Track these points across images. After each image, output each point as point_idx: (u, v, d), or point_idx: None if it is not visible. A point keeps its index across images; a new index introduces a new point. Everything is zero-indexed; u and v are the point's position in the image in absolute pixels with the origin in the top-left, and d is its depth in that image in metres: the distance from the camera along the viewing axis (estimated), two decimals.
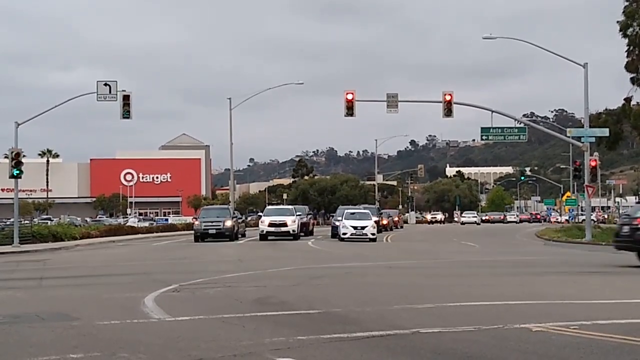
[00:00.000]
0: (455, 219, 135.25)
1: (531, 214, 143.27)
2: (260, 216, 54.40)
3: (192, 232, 52.49)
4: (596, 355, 9.44)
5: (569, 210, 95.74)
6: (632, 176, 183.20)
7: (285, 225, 49.61)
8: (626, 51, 54.44)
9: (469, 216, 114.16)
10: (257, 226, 56.19)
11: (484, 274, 22.22)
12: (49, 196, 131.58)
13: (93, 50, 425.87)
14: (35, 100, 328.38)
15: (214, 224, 49.89)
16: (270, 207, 64.00)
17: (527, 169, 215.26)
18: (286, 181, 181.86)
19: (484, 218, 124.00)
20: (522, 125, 52.85)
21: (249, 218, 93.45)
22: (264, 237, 49.38)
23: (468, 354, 9.52)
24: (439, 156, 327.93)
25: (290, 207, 59.53)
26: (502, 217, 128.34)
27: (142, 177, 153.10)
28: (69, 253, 39.22)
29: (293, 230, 49.79)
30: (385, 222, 68.14)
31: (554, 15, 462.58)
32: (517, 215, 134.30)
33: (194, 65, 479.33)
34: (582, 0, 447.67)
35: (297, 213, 53.79)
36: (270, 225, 49.72)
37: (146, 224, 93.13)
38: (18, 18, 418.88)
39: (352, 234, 47.66)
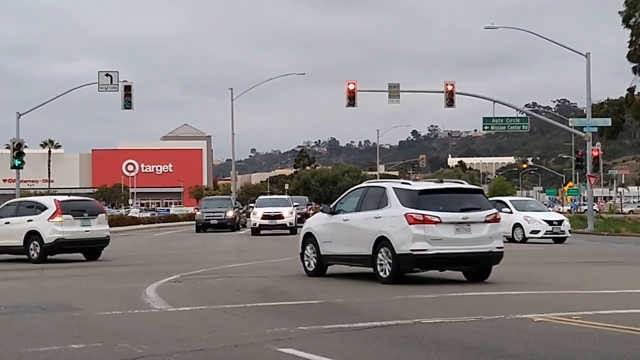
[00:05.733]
0: None
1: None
2: (252, 207, 47.98)
3: (194, 222, 52.48)
4: (598, 345, 9.42)
5: (571, 200, 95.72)
6: (635, 166, 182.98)
7: (280, 217, 44.12)
8: (628, 41, 54.40)
9: None
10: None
11: None
12: (50, 187, 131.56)
13: (95, 41, 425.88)
14: (36, 91, 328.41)
15: (215, 214, 49.85)
16: (263, 197, 58.68)
17: (529, 159, 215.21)
18: (288, 171, 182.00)
19: None
20: (524, 115, 52.72)
21: (250, 209, 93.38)
22: (256, 231, 43.90)
23: (469, 344, 9.50)
24: (441, 146, 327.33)
25: (286, 196, 56.56)
26: None
27: (144, 168, 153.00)
28: None
29: (290, 223, 44.02)
30: None
31: (556, 5, 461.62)
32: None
33: (196, 56, 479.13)
34: None
35: (295, 203, 49.08)
36: (265, 217, 44.11)
37: (148, 214, 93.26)
38: (20, 9, 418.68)
39: None
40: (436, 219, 15.85)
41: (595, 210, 59.35)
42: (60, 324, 11.51)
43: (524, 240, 33.85)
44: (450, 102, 47.35)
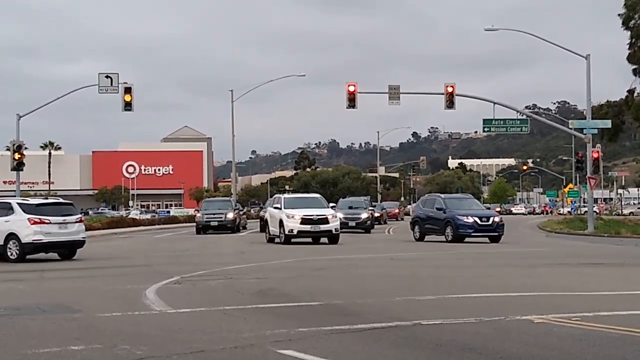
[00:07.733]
0: None
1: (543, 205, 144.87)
2: (278, 208, 36.26)
3: (194, 224, 52.50)
4: (598, 346, 9.42)
5: (572, 202, 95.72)
6: (635, 168, 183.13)
7: (325, 221, 34.92)
8: (628, 43, 54.48)
9: (519, 207, 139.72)
10: (259, 219, 45.68)
11: (486, 266, 22.20)
12: (50, 188, 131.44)
13: (96, 42, 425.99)
14: (37, 93, 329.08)
15: (215, 216, 49.83)
16: (289, 195, 45.78)
17: (530, 160, 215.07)
18: (288, 173, 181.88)
19: (529, 210, 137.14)
20: (524, 117, 52.76)
21: (251, 210, 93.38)
22: (288, 239, 34.65)
23: (469, 345, 9.51)
24: (441, 148, 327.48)
25: (317, 195, 41.37)
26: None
27: (144, 170, 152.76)
28: None
29: (335, 230, 35.12)
30: (377, 214, 66.58)
31: (556, 7, 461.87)
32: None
33: (196, 57, 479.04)
34: None
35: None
36: (305, 221, 34.69)
37: (148, 216, 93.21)
38: (21, 10, 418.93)
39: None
40: (47, 221, 25.39)
41: (595, 211, 59.26)
42: (60, 325, 11.51)
43: None
44: (450, 103, 47.37)
